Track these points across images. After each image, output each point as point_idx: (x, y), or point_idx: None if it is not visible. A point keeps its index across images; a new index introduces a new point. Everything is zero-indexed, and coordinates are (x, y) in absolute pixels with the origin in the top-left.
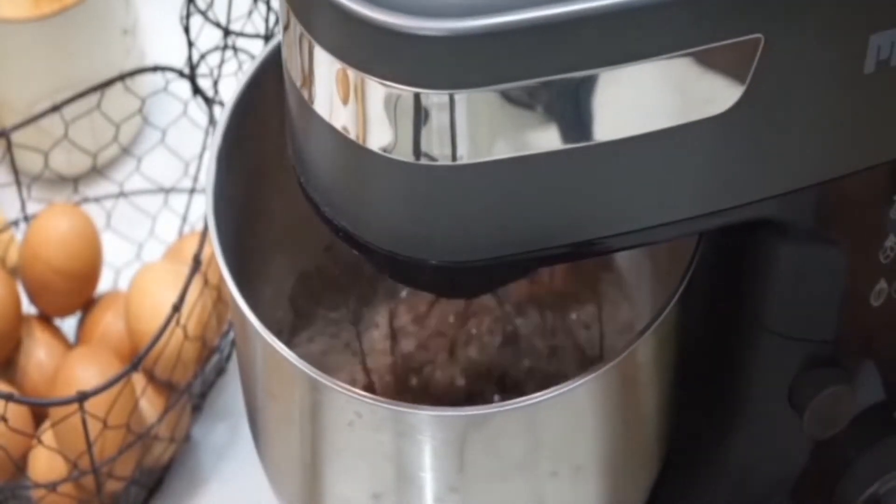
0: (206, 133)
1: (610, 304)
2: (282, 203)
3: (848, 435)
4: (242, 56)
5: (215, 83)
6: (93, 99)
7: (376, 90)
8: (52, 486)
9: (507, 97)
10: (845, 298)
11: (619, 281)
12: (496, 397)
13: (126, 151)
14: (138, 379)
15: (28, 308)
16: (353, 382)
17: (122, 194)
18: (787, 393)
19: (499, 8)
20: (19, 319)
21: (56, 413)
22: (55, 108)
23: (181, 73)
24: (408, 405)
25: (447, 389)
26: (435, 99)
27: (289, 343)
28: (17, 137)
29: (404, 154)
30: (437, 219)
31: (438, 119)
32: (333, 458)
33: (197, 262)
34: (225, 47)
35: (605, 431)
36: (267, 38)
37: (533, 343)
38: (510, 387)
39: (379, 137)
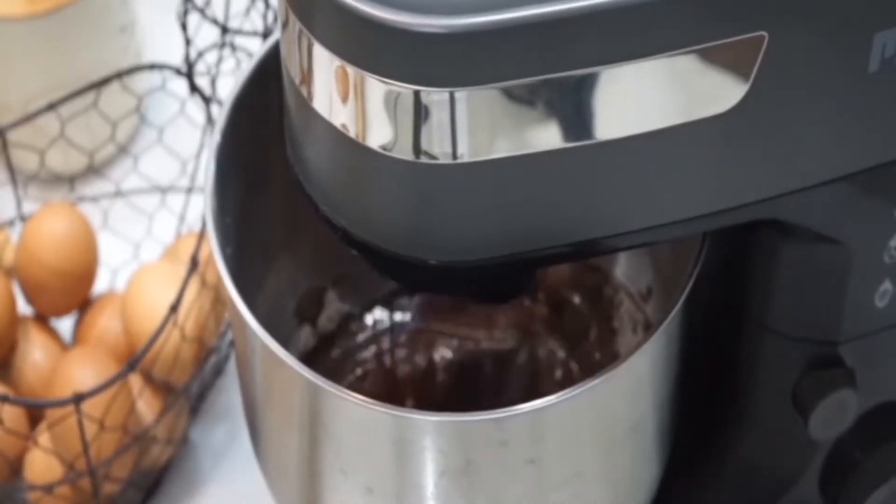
0: (204, 132)
1: (612, 304)
2: (281, 202)
3: (853, 437)
4: (240, 54)
5: (213, 81)
6: (89, 97)
7: (376, 88)
8: (48, 488)
9: (509, 95)
10: (850, 299)
11: (620, 282)
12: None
13: (123, 150)
14: (135, 380)
15: (24, 308)
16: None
17: (118, 194)
18: (791, 394)
19: (500, 5)
20: (15, 320)
21: (52, 414)
22: (51, 107)
23: (178, 72)
24: (407, 410)
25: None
26: (435, 97)
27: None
28: (12, 136)
29: (404, 152)
30: (436, 218)
31: (439, 117)
32: (332, 460)
33: (194, 262)
34: (223, 45)
35: (609, 435)
36: (265, 35)
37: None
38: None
39: (378, 135)
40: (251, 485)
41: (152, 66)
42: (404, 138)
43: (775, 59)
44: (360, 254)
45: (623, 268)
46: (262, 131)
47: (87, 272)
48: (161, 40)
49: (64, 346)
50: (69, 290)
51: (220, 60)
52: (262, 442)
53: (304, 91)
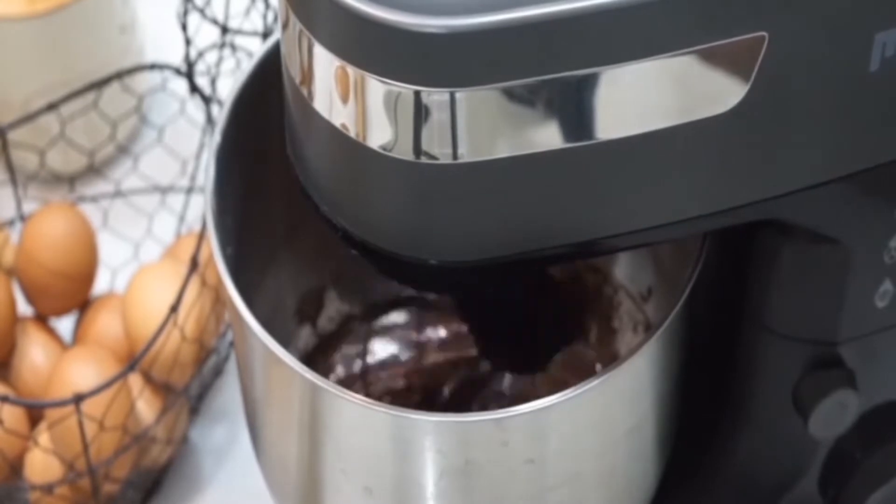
0: (204, 132)
1: (612, 304)
2: (281, 202)
3: (853, 437)
4: (240, 54)
5: (213, 81)
6: (89, 97)
7: (376, 88)
8: (48, 488)
9: (509, 95)
10: (849, 299)
11: (620, 282)
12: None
13: (123, 150)
14: (135, 380)
15: (24, 308)
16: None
17: (118, 193)
18: (791, 394)
19: (500, 5)
20: (15, 320)
21: (52, 414)
22: (51, 107)
23: (179, 72)
24: (407, 410)
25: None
26: (436, 97)
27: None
28: (12, 136)
29: (404, 152)
30: (437, 218)
31: (439, 117)
32: (332, 460)
33: (194, 262)
34: (223, 45)
35: (608, 435)
36: (265, 35)
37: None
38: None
39: (379, 135)
40: (251, 485)
41: (152, 66)
42: (404, 138)
43: (775, 59)
44: (360, 254)
45: (623, 268)
46: (262, 131)
47: (86, 272)
48: (161, 40)
49: (64, 346)
50: (69, 291)
51: (220, 60)
52: (262, 442)
53: (304, 91)
